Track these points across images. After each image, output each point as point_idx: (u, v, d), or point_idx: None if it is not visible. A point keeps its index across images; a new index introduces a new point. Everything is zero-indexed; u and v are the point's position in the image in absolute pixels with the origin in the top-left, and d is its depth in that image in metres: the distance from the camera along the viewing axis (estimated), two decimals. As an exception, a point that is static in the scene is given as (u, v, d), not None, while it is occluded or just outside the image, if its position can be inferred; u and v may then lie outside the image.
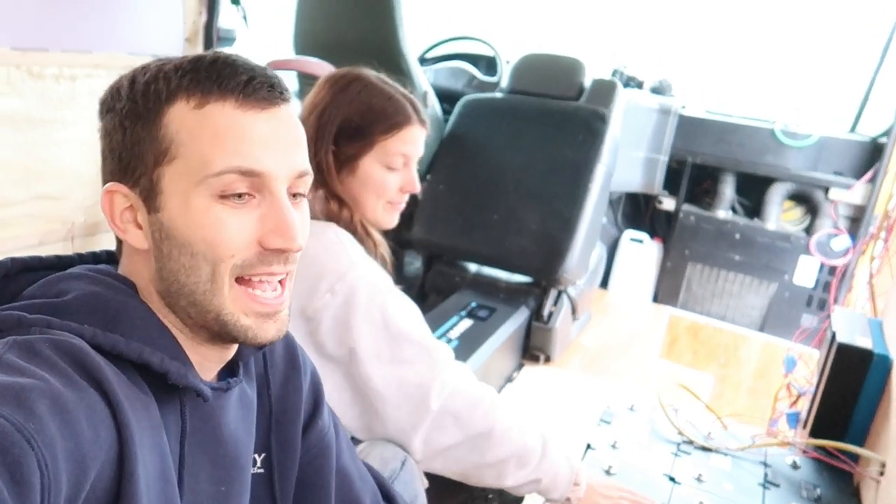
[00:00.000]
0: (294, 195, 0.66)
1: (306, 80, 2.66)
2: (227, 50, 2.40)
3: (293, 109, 0.67)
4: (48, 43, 1.81)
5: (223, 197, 0.61)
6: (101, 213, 2.11)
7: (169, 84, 0.62)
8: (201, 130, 0.61)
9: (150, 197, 0.62)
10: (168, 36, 2.14)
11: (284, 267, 0.64)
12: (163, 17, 2.12)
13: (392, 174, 1.19)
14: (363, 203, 1.20)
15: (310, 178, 0.68)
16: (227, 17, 2.33)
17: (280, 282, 0.66)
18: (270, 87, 0.63)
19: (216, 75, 0.61)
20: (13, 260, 0.65)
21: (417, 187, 1.22)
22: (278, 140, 0.63)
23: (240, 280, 0.63)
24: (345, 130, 1.16)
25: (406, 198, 1.24)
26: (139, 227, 0.64)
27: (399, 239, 1.38)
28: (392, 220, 1.25)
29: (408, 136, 1.19)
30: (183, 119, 0.61)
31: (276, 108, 0.64)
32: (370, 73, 1.22)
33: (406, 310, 1.15)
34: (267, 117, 0.62)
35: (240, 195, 0.61)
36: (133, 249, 0.65)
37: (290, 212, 0.63)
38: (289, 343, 0.83)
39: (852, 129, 3.11)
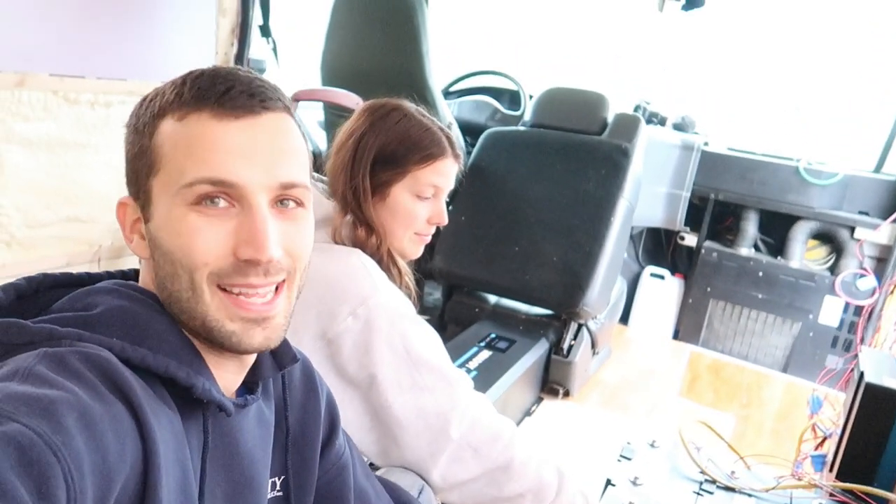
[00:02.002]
0: (282, 202, 0.65)
1: (333, 110, 2.71)
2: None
3: (283, 118, 0.65)
4: (84, 70, 1.87)
5: (197, 205, 0.61)
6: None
7: (161, 100, 0.64)
8: (179, 142, 0.62)
9: (145, 207, 0.65)
10: (200, 65, 2.18)
11: (265, 279, 0.63)
12: (195, 47, 2.18)
13: (421, 204, 1.20)
14: (391, 231, 1.20)
15: (303, 190, 0.66)
16: (257, 49, 2.39)
17: (276, 289, 0.65)
18: (250, 95, 0.63)
19: (196, 88, 0.63)
20: (45, 275, 0.67)
21: (445, 219, 1.23)
22: (254, 148, 0.62)
23: (221, 289, 0.63)
24: (381, 157, 1.18)
25: (433, 230, 1.24)
26: (143, 237, 0.66)
27: (420, 269, 1.38)
28: (417, 252, 1.25)
29: (441, 168, 1.20)
30: (168, 132, 0.63)
31: (254, 116, 0.63)
32: (409, 104, 1.24)
33: (427, 337, 1.15)
34: (243, 126, 0.62)
35: (213, 201, 0.61)
36: (145, 261, 0.67)
37: (263, 223, 0.62)
38: (306, 366, 0.83)
39: (877, 169, 3.09)
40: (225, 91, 0.62)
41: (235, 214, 0.62)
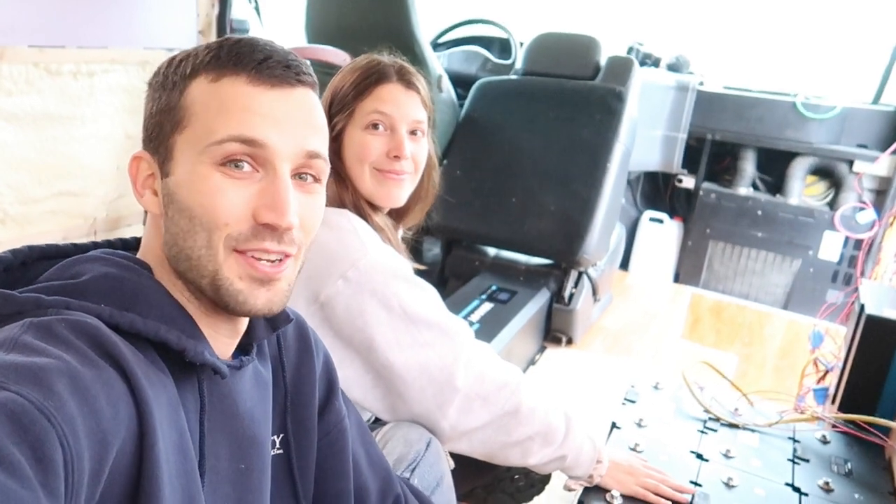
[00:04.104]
0: (300, 176, 0.66)
1: (321, 68, 2.66)
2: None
3: (312, 95, 0.67)
4: (64, 40, 1.83)
5: (223, 165, 0.62)
6: (123, 209, 2.11)
7: (195, 60, 0.65)
8: (211, 101, 0.63)
9: (164, 163, 0.65)
10: (182, 29, 2.15)
11: (278, 246, 0.64)
12: (176, 10, 2.13)
13: (373, 137, 1.14)
14: (353, 175, 1.15)
15: (323, 164, 0.68)
16: (239, 9, 2.34)
17: (280, 259, 0.66)
18: (286, 66, 0.64)
19: (235, 53, 0.64)
20: (31, 248, 0.66)
21: (404, 151, 1.14)
22: (287, 118, 0.64)
23: (236, 251, 0.64)
24: (334, 105, 1.16)
25: (403, 167, 1.16)
26: (156, 194, 0.66)
27: (417, 225, 1.36)
28: (387, 194, 1.16)
29: (383, 94, 1.14)
30: (200, 92, 0.64)
31: (289, 87, 0.65)
32: (387, 56, 1.20)
33: (423, 293, 1.13)
34: (277, 95, 0.64)
35: (238, 164, 0.62)
36: (152, 218, 0.68)
37: (286, 188, 0.63)
38: (300, 326, 0.83)
39: (875, 100, 3.05)
40: (263, 59, 0.63)
41: (258, 179, 0.63)
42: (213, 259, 0.63)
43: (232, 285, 0.64)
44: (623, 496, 1.15)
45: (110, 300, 0.60)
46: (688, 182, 3.36)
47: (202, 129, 0.62)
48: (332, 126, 1.15)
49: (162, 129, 0.64)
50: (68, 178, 1.92)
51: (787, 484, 1.21)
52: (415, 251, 1.41)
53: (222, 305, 0.65)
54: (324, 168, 0.68)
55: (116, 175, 2.03)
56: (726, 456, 1.28)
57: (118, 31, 1.97)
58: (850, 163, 3.00)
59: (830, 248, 3.04)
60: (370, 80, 1.15)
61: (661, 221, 3.39)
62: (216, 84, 0.63)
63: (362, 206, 1.16)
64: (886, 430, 1.35)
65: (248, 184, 0.63)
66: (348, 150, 1.16)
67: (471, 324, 2.05)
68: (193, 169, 0.62)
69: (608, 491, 1.16)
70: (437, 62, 2.70)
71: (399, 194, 1.18)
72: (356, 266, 1.06)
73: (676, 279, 3.38)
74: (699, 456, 1.28)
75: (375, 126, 1.15)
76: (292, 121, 0.64)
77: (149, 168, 0.66)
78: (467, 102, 2.69)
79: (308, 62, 0.68)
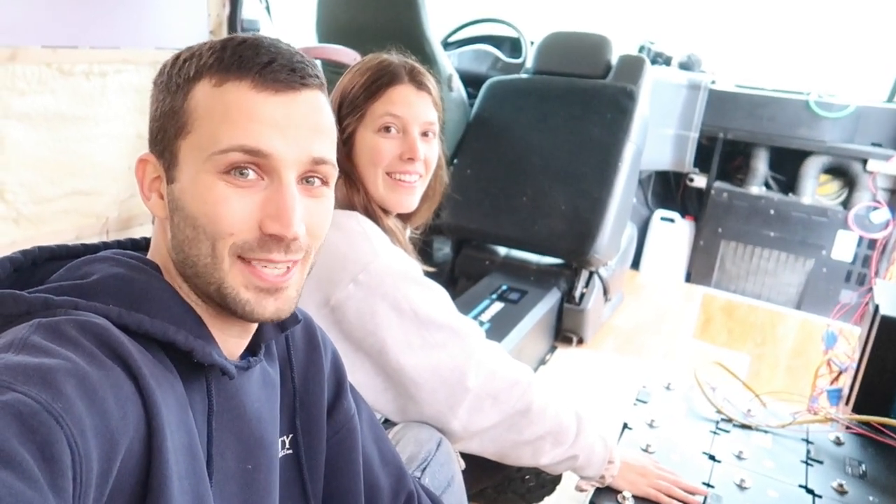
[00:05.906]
0: (307, 180, 0.65)
1: (331, 67, 2.67)
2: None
3: (319, 96, 0.66)
4: (76, 40, 1.84)
5: (227, 173, 0.61)
6: (135, 208, 2.12)
7: (199, 62, 0.63)
8: (215, 107, 0.61)
9: (170, 168, 0.64)
10: (193, 29, 2.15)
11: (285, 255, 0.63)
12: (187, 10, 2.14)
13: (386, 140, 1.13)
14: (365, 178, 1.14)
15: (331, 168, 0.66)
16: (250, 9, 2.35)
17: (287, 267, 0.65)
18: (291, 70, 0.63)
19: (238, 56, 0.62)
20: (40, 248, 0.67)
21: (417, 153, 1.13)
22: (291, 124, 0.63)
23: (241, 259, 0.63)
24: (343, 107, 1.14)
25: (416, 168, 1.15)
26: (162, 197, 0.66)
27: (425, 224, 1.35)
28: (399, 199, 1.15)
29: (394, 96, 1.13)
30: (203, 96, 0.62)
31: (294, 92, 0.63)
32: (395, 54, 1.19)
33: (434, 295, 1.13)
34: (282, 100, 0.62)
35: (242, 172, 0.61)
36: (159, 220, 0.67)
37: (291, 198, 0.62)
38: (308, 325, 0.83)
39: (890, 99, 3.02)
40: (267, 63, 0.62)
41: (264, 188, 0.62)
42: (217, 268, 0.62)
43: (238, 295, 0.63)
44: (635, 497, 1.15)
45: (119, 300, 0.60)
46: (699, 181, 3.34)
47: (206, 137, 0.61)
48: (342, 129, 1.13)
49: (166, 133, 0.64)
50: (81, 178, 1.93)
51: (801, 486, 1.19)
52: (424, 251, 1.41)
53: (230, 313, 0.64)
54: (331, 172, 0.67)
55: (128, 174, 2.04)
56: (739, 457, 1.27)
57: (130, 31, 1.98)
58: (864, 162, 2.97)
59: (844, 247, 3.02)
60: (381, 81, 1.14)
61: (672, 221, 3.37)
62: (220, 89, 0.62)
63: (373, 210, 1.15)
64: (901, 432, 1.34)
65: (253, 192, 0.62)
66: (360, 153, 1.15)
67: (481, 323, 2.05)
68: (197, 177, 0.61)
69: (620, 492, 1.16)
70: (448, 61, 2.69)
71: (411, 201, 1.17)
72: (367, 269, 1.06)
73: (688, 279, 3.36)
74: (711, 457, 1.27)
75: (388, 129, 1.13)
76: (297, 127, 0.63)
77: (155, 171, 0.66)
78: (478, 102, 2.69)
79: (315, 61, 0.67)
